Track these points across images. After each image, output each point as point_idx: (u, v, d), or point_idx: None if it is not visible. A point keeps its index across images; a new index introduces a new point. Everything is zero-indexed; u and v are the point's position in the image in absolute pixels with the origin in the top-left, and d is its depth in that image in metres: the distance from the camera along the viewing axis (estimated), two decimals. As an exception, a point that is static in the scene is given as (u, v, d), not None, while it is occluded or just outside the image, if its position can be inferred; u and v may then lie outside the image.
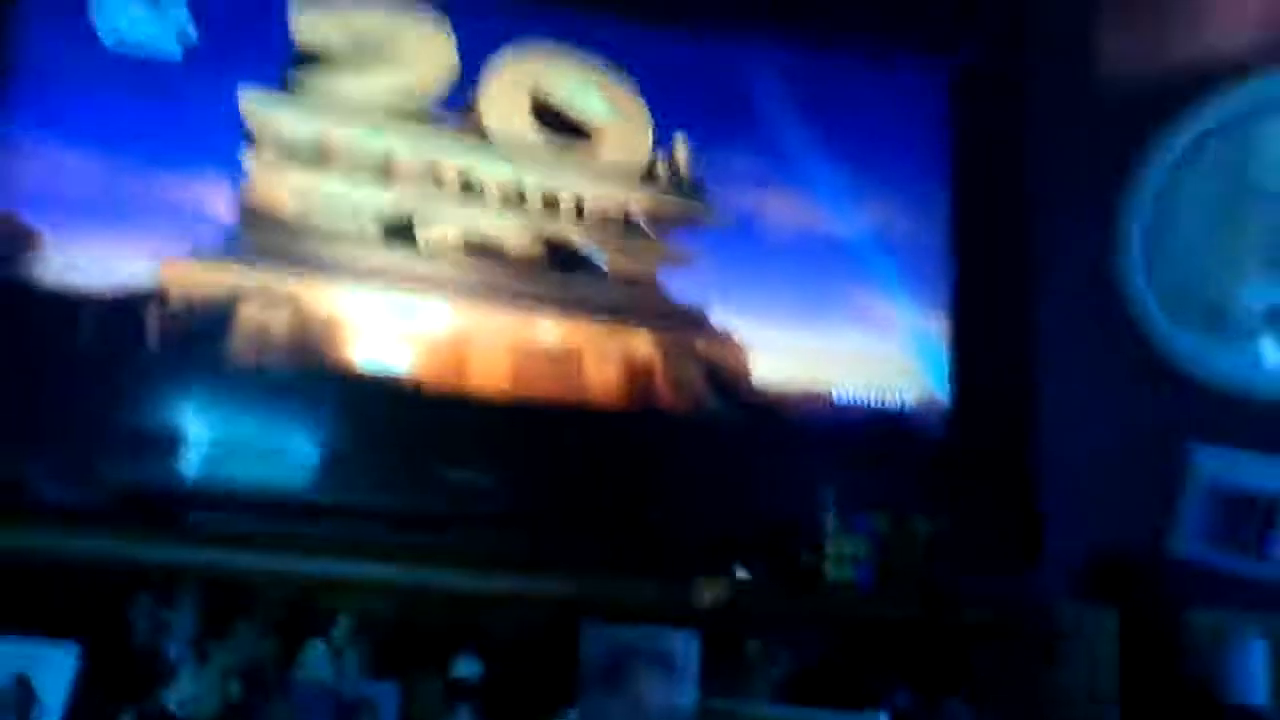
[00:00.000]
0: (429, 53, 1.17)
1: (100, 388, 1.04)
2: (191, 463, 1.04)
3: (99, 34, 1.08)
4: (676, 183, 1.25)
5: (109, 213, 1.06)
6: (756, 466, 1.19)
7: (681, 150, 1.25)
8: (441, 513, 1.08)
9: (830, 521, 1.07)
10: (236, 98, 1.09)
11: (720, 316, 1.24)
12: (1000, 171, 1.32)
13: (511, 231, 1.19)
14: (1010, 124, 1.32)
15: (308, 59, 1.12)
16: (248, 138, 1.10)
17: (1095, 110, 1.30)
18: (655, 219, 1.25)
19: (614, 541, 1.12)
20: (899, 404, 1.25)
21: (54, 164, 1.06)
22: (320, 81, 1.12)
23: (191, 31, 1.10)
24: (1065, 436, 1.25)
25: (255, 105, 1.10)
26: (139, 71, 1.09)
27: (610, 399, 1.19)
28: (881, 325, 1.27)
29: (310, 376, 1.11)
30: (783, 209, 1.27)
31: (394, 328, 1.13)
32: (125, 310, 1.05)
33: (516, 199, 1.19)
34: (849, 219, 1.28)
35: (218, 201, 1.09)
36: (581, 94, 1.23)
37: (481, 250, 1.18)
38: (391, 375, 1.12)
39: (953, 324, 1.28)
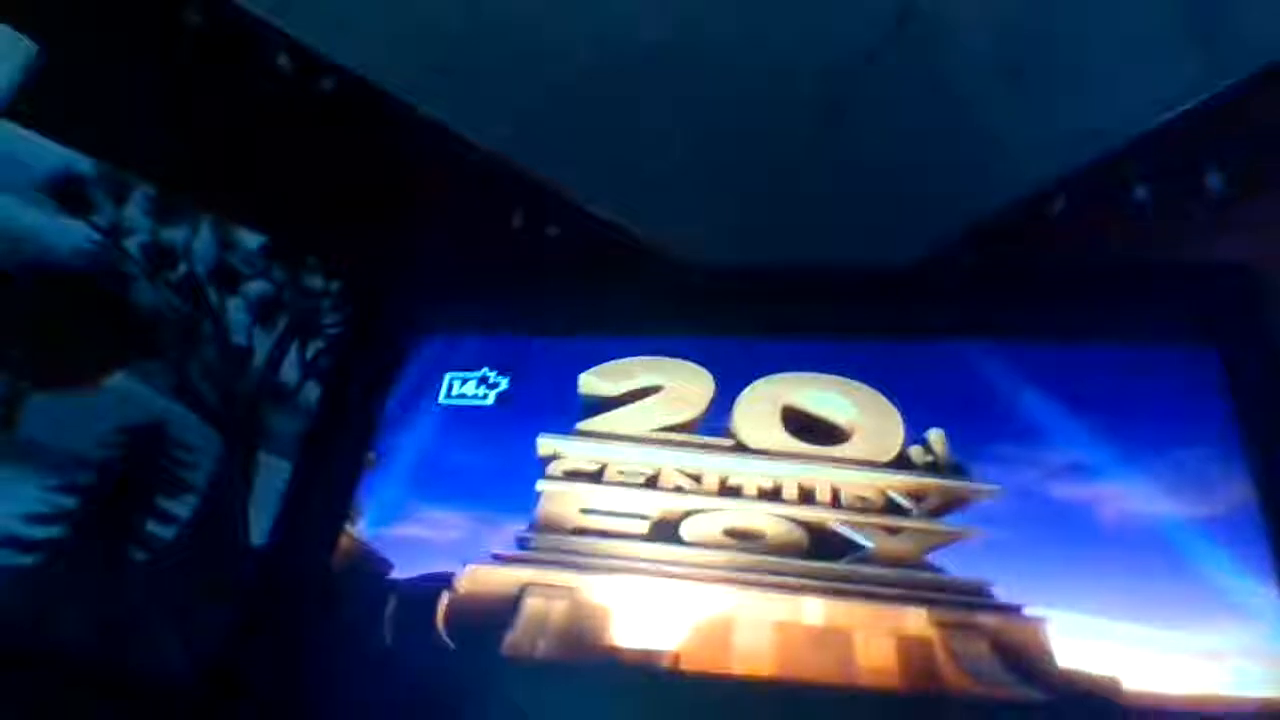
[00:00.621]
0: (691, 390, 1.34)
1: (401, 673, 1.18)
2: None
3: (439, 398, 1.41)
4: (935, 466, 1.24)
5: (428, 535, 1.27)
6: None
7: (938, 439, 1.26)
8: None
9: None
10: (537, 443, 1.32)
11: (1007, 594, 1.13)
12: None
13: (770, 521, 1.22)
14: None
15: (593, 407, 1.35)
16: (543, 469, 1.30)
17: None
18: (918, 500, 1.23)
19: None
20: (1247, 694, 1.02)
21: (395, 502, 1.32)
22: (602, 421, 1.33)
23: (509, 390, 1.40)
24: None
25: (551, 446, 1.32)
26: (465, 425, 1.38)
27: (885, 680, 1.09)
28: (1196, 606, 1.08)
29: (583, 662, 1.15)
30: (1062, 489, 1.19)
31: (661, 615, 1.16)
32: (427, 609, 1.20)
33: (773, 493, 1.24)
34: (1133, 496, 1.17)
35: (558, 516, 1.26)
36: (826, 400, 1.32)
37: (742, 539, 1.21)
38: (659, 660, 1.13)
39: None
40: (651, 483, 1.27)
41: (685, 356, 1.38)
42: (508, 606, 1.18)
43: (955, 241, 1.86)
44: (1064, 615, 1.09)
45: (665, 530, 1.23)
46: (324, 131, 1.63)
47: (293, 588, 1.30)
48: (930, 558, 1.18)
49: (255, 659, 1.25)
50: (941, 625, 1.11)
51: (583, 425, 1.32)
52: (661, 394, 1.34)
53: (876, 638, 1.11)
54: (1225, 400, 1.21)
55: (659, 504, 1.25)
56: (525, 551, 1.23)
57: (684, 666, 1.12)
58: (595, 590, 1.19)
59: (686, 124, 1.73)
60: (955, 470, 1.23)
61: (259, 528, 1.36)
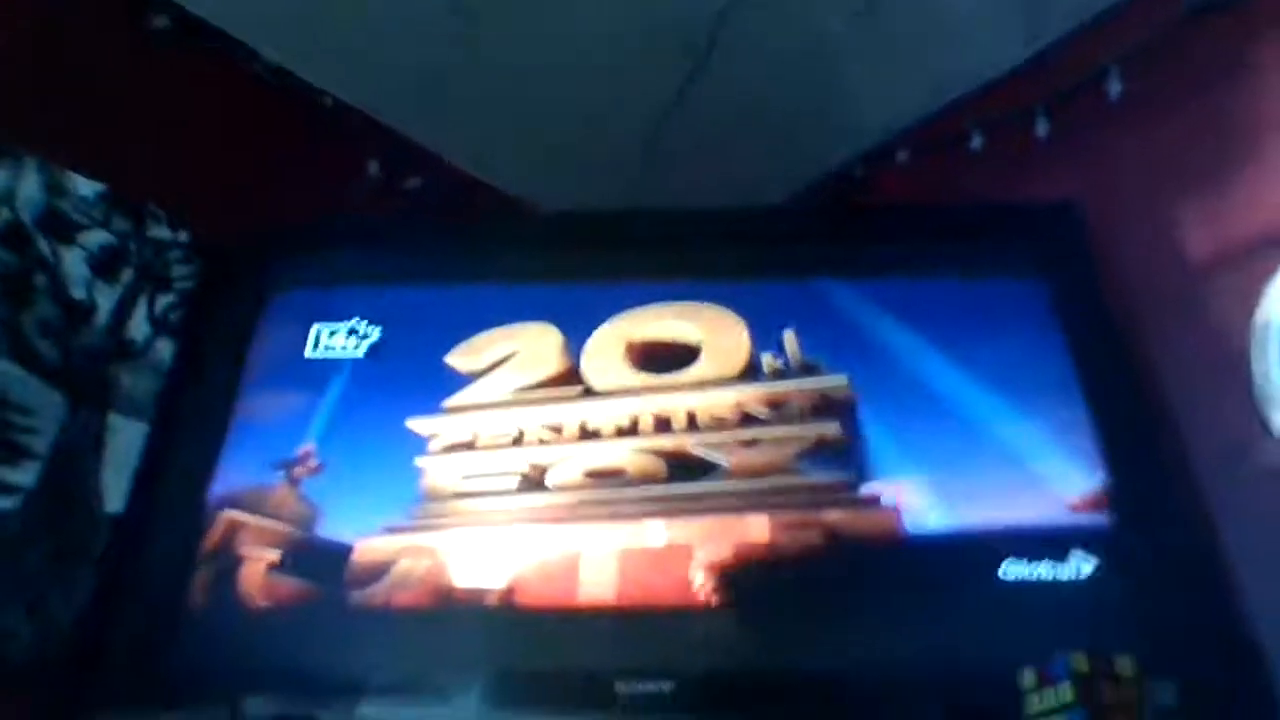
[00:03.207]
0: (542, 348, 1.36)
1: (264, 639, 1.18)
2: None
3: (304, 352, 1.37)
4: (787, 371, 1.29)
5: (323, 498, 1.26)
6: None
7: (789, 339, 1.31)
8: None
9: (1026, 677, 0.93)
10: (410, 426, 1.31)
11: (866, 488, 1.20)
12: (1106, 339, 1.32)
13: (630, 456, 1.26)
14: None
15: (458, 383, 1.35)
16: (421, 447, 1.30)
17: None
18: (776, 408, 1.28)
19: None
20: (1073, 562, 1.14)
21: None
22: (466, 395, 1.34)
23: (380, 341, 1.38)
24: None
25: (426, 426, 1.32)
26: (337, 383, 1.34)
27: (711, 594, 1.14)
28: (1039, 482, 1.20)
29: (437, 608, 1.17)
30: (914, 392, 1.27)
31: (516, 559, 1.19)
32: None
33: (631, 429, 1.28)
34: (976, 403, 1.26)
35: (439, 486, 1.27)
36: (667, 327, 1.37)
37: (603, 478, 1.25)
38: (505, 599, 1.16)
39: (1108, 481, 1.19)
40: (518, 441, 1.31)
41: (543, 307, 1.41)
42: (381, 570, 1.20)
43: (808, 188, 1.94)
44: (919, 501, 1.18)
45: (532, 482, 1.26)
46: (159, 73, 1.52)
47: (153, 556, 1.23)
48: (791, 463, 1.23)
49: (113, 632, 1.17)
50: (783, 528, 1.17)
51: (449, 403, 1.34)
52: (515, 359, 1.37)
53: (717, 551, 1.17)
54: (1052, 318, 1.34)
55: (526, 459, 1.29)
56: (412, 520, 1.25)
57: (529, 602, 1.16)
58: (463, 545, 1.21)
59: (546, 74, 1.72)
60: (808, 370, 1.30)
61: (115, 493, 1.27)
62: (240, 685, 1.09)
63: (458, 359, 1.37)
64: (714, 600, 1.14)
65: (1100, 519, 1.17)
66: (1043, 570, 1.13)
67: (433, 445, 1.30)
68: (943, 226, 1.50)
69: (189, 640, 1.16)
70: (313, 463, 1.29)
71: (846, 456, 1.23)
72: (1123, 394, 1.27)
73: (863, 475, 1.22)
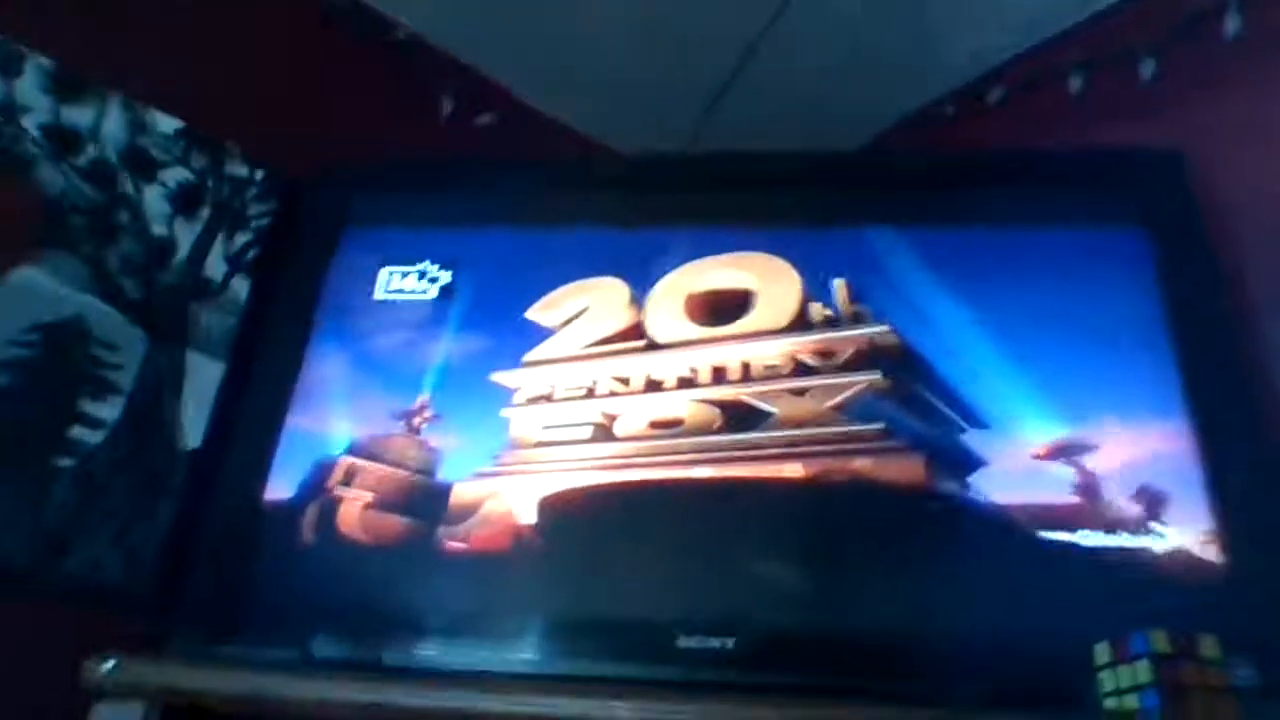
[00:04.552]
0: (611, 302, 1.38)
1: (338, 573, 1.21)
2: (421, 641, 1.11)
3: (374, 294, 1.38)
4: (837, 320, 1.28)
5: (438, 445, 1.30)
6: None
7: (840, 288, 1.30)
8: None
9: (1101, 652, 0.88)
10: (496, 380, 1.34)
11: (901, 437, 1.18)
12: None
13: (689, 407, 1.28)
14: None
15: (538, 336, 1.37)
16: (507, 398, 1.33)
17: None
18: (826, 357, 1.27)
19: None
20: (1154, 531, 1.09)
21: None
22: (544, 350, 1.36)
23: (451, 284, 1.39)
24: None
25: (511, 379, 1.35)
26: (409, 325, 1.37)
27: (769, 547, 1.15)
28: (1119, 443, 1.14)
29: (509, 555, 1.20)
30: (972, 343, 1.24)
31: (582, 507, 1.22)
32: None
33: (690, 380, 1.30)
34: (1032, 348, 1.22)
35: (523, 435, 1.30)
36: (723, 278, 1.37)
37: (665, 427, 1.27)
38: (569, 548, 1.19)
39: (1196, 444, 1.12)
40: (590, 393, 1.34)
41: (610, 256, 1.41)
42: (471, 514, 1.24)
43: (896, 127, 1.87)
44: (982, 455, 1.16)
45: (603, 432, 1.30)
46: (233, 7, 1.52)
47: (231, 494, 1.26)
48: (836, 410, 1.23)
49: (193, 563, 1.21)
50: (834, 477, 1.18)
51: (528, 357, 1.37)
52: (586, 314, 1.39)
53: (772, 502, 1.19)
54: (1150, 271, 1.26)
55: (598, 410, 1.32)
56: (499, 466, 1.28)
57: (596, 550, 1.19)
58: (538, 491, 1.24)
59: (627, 7, 1.67)
60: (858, 319, 1.28)
61: (193, 430, 1.31)
62: (314, 623, 1.12)
63: (536, 313, 1.39)
64: (772, 554, 1.14)
65: (1185, 487, 1.11)
66: (1120, 539, 1.09)
67: (517, 397, 1.34)
68: (1029, 172, 1.43)
69: (270, 576, 1.20)
70: (428, 412, 1.32)
71: (902, 405, 1.21)
72: (1223, 352, 1.19)
73: (923, 425, 1.19)
